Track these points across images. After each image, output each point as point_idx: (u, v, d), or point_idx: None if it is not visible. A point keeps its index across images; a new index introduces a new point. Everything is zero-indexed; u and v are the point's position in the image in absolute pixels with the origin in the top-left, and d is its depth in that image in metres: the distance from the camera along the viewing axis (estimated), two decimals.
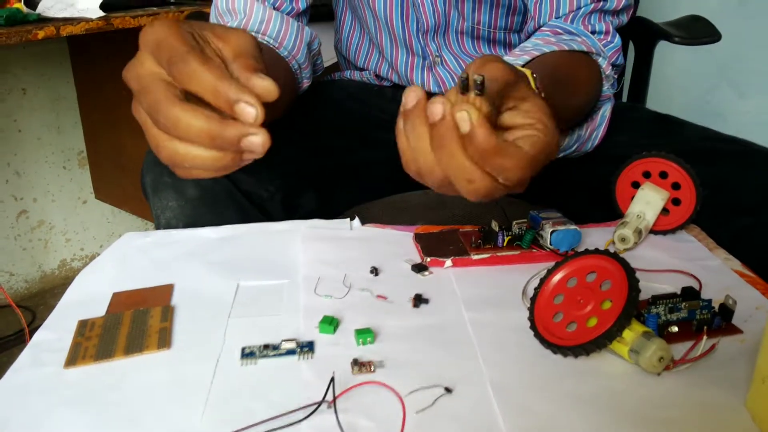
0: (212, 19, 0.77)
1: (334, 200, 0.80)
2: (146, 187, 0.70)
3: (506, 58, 0.70)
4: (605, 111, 0.74)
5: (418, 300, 0.51)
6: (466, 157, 0.42)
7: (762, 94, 1.78)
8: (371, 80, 0.94)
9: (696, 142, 0.74)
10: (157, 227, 0.68)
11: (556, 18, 0.75)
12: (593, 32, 0.74)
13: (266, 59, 0.69)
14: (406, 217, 0.89)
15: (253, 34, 0.72)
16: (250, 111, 0.41)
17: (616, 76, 0.77)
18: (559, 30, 0.73)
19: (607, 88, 0.73)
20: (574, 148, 0.73)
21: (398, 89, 0.92)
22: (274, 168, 0.73)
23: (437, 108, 0.42)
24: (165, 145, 0.43)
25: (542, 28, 0.74)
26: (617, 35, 0.76)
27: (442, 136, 0.42)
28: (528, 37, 0.77)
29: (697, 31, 1.04)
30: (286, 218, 0.70)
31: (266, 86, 0.43)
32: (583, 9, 0.73)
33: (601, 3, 0.73)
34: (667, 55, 1.71)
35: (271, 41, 0.73)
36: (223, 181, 0.68)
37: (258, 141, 0.42)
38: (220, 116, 0.41)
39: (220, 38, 0.46)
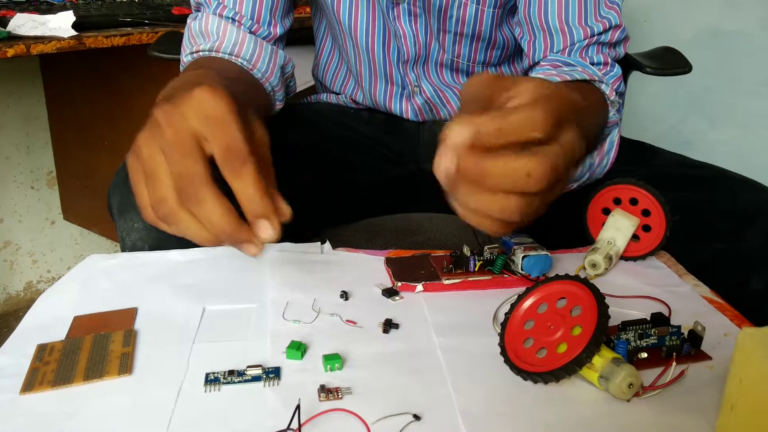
0: (185, 41, 0.76)
1: (307, 223, 0.80)
2: (112, 207, 0.69)
3: None
4: (613, 136, 0.73)
5: (388, 325, 0.50)
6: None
7: (732, 124, 1.82)
8: (348, 103, 0.94)
9: (669, 168, 0.75)
10: (123, 249, 0.67)
11: (550, 53, 0.75)
12: (592, 63, 0.74)
13: (243, 80, 0.69)
14: (380, 240, 0.89)
15: (226, 56, 0.72)
16: (270, 233, 0.43)
17: (621, 101, 0.76)
18: (558, 63, 0.73)
19: (613, 114, 0.72)
20: (586, 177, 0.71)
21: (374, 112, 0.92)
22: None
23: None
24: (173, 207, 0.42)
25: (541, 63, 0.75)
26: (616, 65, 0.76)
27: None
28: (526, 74, 0.77)
29: (669, 62, 1.07)
30: None
31: (286, 211, 0.45)
32: (577, 44, 0.74)
33: (596, 37, 0.74)
34: (640, 85, 1.74)
35: (245, 63, 0.73)
36: None
37: (253, 252, 0.43)
38: (238, 217, 0.42)
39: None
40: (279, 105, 0.79)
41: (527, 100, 0.41)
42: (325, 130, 0.88)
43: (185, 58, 0.74)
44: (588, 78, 0.70)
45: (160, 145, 0.42)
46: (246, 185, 0.42)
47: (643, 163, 0.78)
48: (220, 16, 0.75)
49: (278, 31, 0.79)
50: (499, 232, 0.43)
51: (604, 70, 0.74)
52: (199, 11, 0.79)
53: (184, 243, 0.62)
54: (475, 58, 0.85)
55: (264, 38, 0.78)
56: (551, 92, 0.42)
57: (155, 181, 0.43)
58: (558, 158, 0.40)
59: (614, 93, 0.72)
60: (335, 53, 0.93)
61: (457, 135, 0.40)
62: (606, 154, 0.72)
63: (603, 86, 0.70)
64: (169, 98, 0.44)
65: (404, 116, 0.88)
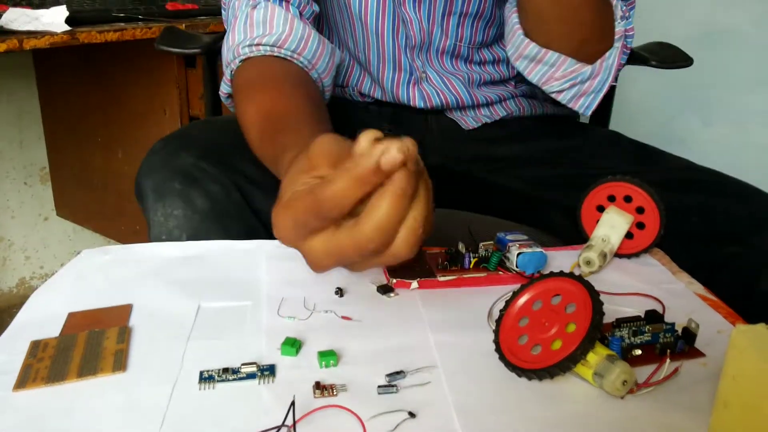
0: (240, 28, 0.74)
1: None
2: (146, 190, 0.66)
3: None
4: (615, 50, 0.75)
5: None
6: None
7: (725, 122, 1.83)
8: (354, 96, 0.93)
9: (680, 172, 0.75)
10: (158, 236, 0.65)
11: None
12: None
13: (318, 109, 0.69)
14: None
15: (288, 54, 0.72)
16: (394, 154, 0.40)
17: (625, 11, 0.77)
18: None
19: (617, 23, 0.74)
20: (576, 89, 0.76)
21: (382, 106, 0.92)
22: None
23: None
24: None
25: None
26: (630, 19, 0.77)
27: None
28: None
29: (669, 56, 1.07)
30: None
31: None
32: None
33: None
34: (631, 79, 1.74)
35: (305, 62, 0.73)
36: (236, 196, 0.66)
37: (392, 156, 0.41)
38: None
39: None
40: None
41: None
42: (332, 125, 0.88)
43: (241, 49, 0.72)
44: None
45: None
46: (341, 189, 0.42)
47: (651, 164, 0.78)
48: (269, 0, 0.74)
49: (315, 6, 0.79)
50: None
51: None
52: None
53: (222, 235, 0.62)
54: (475, 40, 0.86)
55: (309, 18, 0.77)
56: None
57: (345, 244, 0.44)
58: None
59: (626, 12, 0.74)
60: (336, 44, 0.93)
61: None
62: (608, 67, 0.75)
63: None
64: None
65: (412, 103, 0.88)
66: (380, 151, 0.41)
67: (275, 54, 0.72)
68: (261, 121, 0.65)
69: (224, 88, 0.77)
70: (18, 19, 1.16)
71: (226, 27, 0.82)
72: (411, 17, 0.83)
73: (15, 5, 1.23)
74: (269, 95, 0.67)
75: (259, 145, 0.65)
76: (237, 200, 0.66)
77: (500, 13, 0.85)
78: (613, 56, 0.76)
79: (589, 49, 0.75)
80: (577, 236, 0.65)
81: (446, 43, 0.85)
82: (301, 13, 0.76)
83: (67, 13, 1.19)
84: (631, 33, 0.77)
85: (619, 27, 0.75)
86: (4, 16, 1.15)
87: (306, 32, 0.73)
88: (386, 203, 0.42)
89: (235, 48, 0.73)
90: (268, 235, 0.68)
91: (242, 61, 0.73)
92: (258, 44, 0.71)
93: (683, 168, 0.77)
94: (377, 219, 0.42)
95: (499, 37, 0.89)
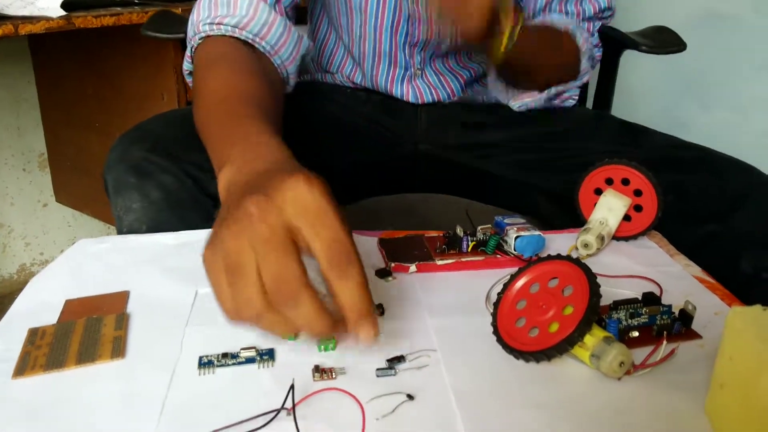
0: (204, 5, 0.72)
1: None
2: (108, 186, 0.67)
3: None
4: (581, 81, 0.85)
5: (382, 310, 0.50)
6: None
7: (725, 107, 1.82)
8: (344, 83, 0.93)
9: (660, 150, 0.75)
10: (119, 228, 0.66)
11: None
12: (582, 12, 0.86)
13: (272, 99, 0.66)
14: (373, 221, 0.88)
15: (250, 38, 0.70)
16: (372, 334, 0.40)
17: (593, 58, 0.87)
18: (546, 20, 0.84)
19: (585, 62, 0.83)
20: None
21: (371, 93, 0.91)
22: None
23: None
24: (260, 308, 0.39)
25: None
26: (596, 35, 0.88)
27: None
28: None
29: (663, 41, 1.06)
30: None
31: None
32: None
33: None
34: (632, 65, 1.73)
35: (268, 47, 0.71)
36: (189, 183, 0.66)
37: (372, 341, 0.41)
38: (333, 317, 0.40)
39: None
40: (287, 90, 0.78)
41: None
42: (321, 110, 0.87)
43: (202, 26, 0.70)
44: (563, 29, 0.81)
45: (251, 241, 0.38)
46: (352, 286, 0.39)
47: (634, 144, 0.78)
48: None
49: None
50: None
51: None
52: None
53: (180, 228, 0.62)
54: None
55: (286, 6, 0.76)
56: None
57: (241, 280, 0.38)
58: None
59: (587, 43, 0.82)
60: (332, 34, 0.92)
61: None
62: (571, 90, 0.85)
63: (577, 39, 0.81)
64: (254, 186, 0.40)
65: (404, 98, 0.88)
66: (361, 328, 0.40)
67: (235, 35, 0.70)
68: (212, 102, 0.62)
69: (186, 65, 0.76)
70: (13, 4, 1.15)
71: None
72: (421, 14, 0.82)
73: None
74: (225, 75, 0.65)
75: (205, 122, 0.61)
76: (190, 188, 0.66)
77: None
78: (582, 73, 0.84)
79: (556, 80, 0.83)
80: (562, 220, 0.65)
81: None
82: (276, 1, 0.74)
83: None
84: (597, 47, 0.88)
85: (585, 52, 0.83)
86: None
87: (271, 17, 0.72)
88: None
89: (196, 24, 0.71)
90: None
91: (202, 38, 0.71)
92: (219, 23, 0.70)
93: (665, 146, 0.76)
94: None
95: None
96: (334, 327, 0.40)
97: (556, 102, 0.86)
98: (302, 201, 0.38)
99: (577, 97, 0.87)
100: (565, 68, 0.83)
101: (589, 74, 0.87)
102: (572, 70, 0.83)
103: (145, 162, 0.65)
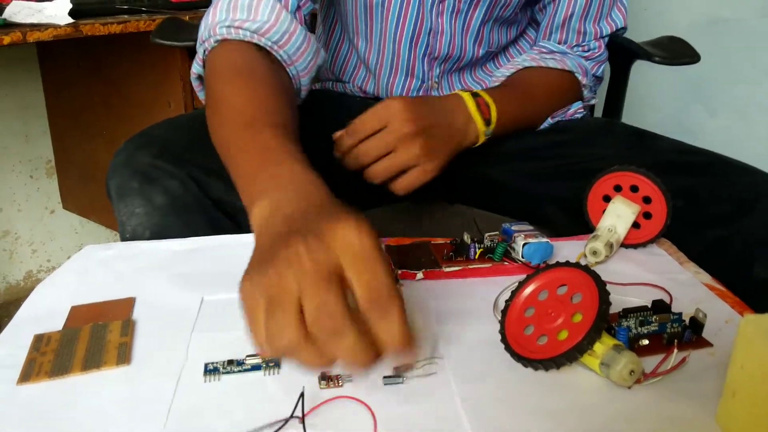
0: (222, 6, 0.70)
1: None
2: (111, 191, 0.67)
3: (496, 73, 0.88)
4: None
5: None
6: None
7: (732, 113, 1.81)
8: (355, 92, 0.92)
9: (669, 155, 0.75)
10: (122, 234, 0.66)
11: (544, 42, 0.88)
12: (588, 50, 0.88)
13: (291, 117, 0.65)
14: (380, 228, 0.88)
15: (269, 45, 0.68)
16: (411, 364, 0.43)
17: (594, 83, 0.90)
18: (543, 50, 0.86)
19: (587, 93, 0.87)
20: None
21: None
22: None
23: None
24: (295, 338, 0.38)
25: (533, 47, 0.89)
26: (605, 49, 0.89)
27: None
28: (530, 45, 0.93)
29: (675, 51, 1.06)
30: None
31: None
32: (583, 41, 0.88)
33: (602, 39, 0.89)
34: (640, 72, 1.73)
35: (285, 57, 0.70)
36: (193, 188, 0.65)
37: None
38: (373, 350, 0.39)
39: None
40: (298, 102, 0.77)
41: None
42: (330, 119, 0.87)
43: (219, 29, 0.68)
44: (560, 68, 0.84)
45: (296, 276, 0.38)
46: (392, 326, 0.39)
47: (643, 149, 0.77)
48: None
49: (317, 5, 0.80)
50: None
51: (593, 56, 0.88)
52: None
53: (185, 233, 0.62)
54: (501, 41, 0.89)
55: (306, 14, 0.74)
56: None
57: (281, 309, 0.38)
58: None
59: (586, 78, 0.86)
60: (345, 42, 0.92)
61: None
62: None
63: (577, 75, 0.85)
64: (301, 227, 0.41)
65: None
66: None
67: (254, 41, 0.68)
68: (236, 124, 0.60)
69: (195, 69, 0.73)
70: (21, 11, 1.16)
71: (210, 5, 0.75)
72: (444, 29, 0.82)
73: None
74: (248, 92, 0.62)
75: (230, 145, 0.59)
76: (195, 193, 0.65)
77: (522, 13, 0.89)
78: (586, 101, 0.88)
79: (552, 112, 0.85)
80: (571, 229, 0.65)
81: (479, 52, 0.86)
82: (299, 6, 0.73)
83: (70, 6, 1.18)
84: (602, 63, 0.90)
85: (587, 86, 0.87)
86: (8, 9, 1.15)
87: (292, 26, 0.70)
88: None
89: (212, 26, 0.69)
90: (232, 225, 0.67)
91: (217, 41, 0.69)
92: (238, 27, 0.68)
93: (674, 151, 0.76)
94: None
95: (518, 36, 0.92)
96: (375, 357, 0.39)
97: (564, 117, 0.87)
98: (352, 245, 0.39)
99: (583, 111, 0.88)
100: (563, 103, 0.86)
101: (594, 100, 0.90)
102: (572, 100, 0.86)
103: (151, 168, 0.65)
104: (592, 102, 0.91)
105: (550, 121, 0.85)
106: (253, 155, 0.54)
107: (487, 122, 0.75)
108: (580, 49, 0.88)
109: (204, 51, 0.71)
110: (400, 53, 0.85)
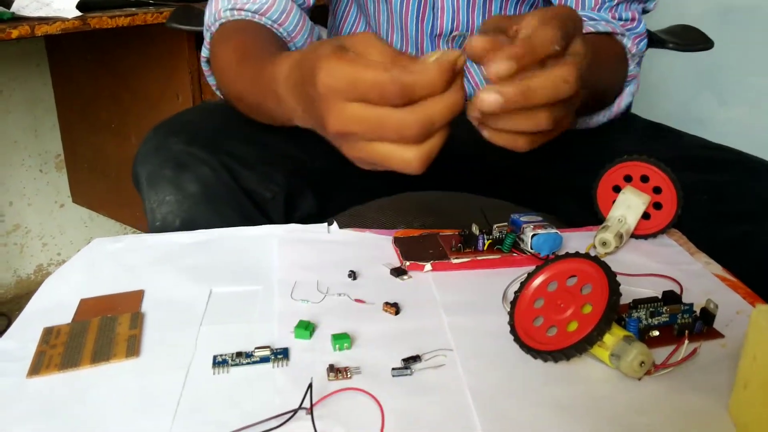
0: (222, 1, 0.75)
1: (332, 202, 0.78)
2: (140, 179, 0.67)
3: None
4: (631, 88, 0.79)
5: (397, 309, 0.50)
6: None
7: (742, 102, 1.80)
8: None
9: (692, 150, 0.74)
10: (152, 222, 0.66)
11: (582, 10, 0.78)
12: (619, 19, 0.78)
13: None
14: (388, 220, 0.88)
15: (269, 23, 0.74)
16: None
17: (641, 56, 0.81)
18: (584, 17, 0.76)
19: (633, 68, 0.78)
20: (604, 117, 0.78)
21: None
22: (277, 167, 0.70)
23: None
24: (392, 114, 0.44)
25: None
26: (642, 22, 0.80)
27: None
28: None
29: (689, 38, 1.05)
30: (285, 220, 0.68)
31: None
32: (608, 3, 0.77)
33: None
34: (651, 62, 1.72)
35: (285, 34, 0.75)
36: (225, 178, 0.65)
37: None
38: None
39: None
40: None
41: (538, 23, 0.47)
42: None
43: (223, 12, 0.74)
44: (611, 31, 0.74)
45: (364, 139, 0.46)
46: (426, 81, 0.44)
47: (665, 143, 0.77)
48: None
49: (311, 1, 0.81)
50: (527, 148, 0.50)
51: (629, 26, 0.78)
52: None
53: (216, 222, 0.62)
54: None
55: (301, 6, 0.78)
56: (553, 13, 0.48)
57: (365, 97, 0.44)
58: (580, 61, 0.47)
59: (635, 47, 0.76)
60: (360, 22, 0.91)
61: (498, 68, 0.45)
62: (625, 105, 0.77)
63: (625, 39, 0.75)
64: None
65: None
66: (456, 54, 0.45)
67: (255, 20, 0.73)
68: (238, 53, 0.66)
69: (204, 52, 0.78)
70: (29, 5, 1.16)
71: None
72: (444, 5, 0.81)
73: None
74: (247, 35, 0.70)
75: (238, 72, 0.65)
76: (227, 181, 0.66)
77: None
78: (627, 94, 0.78)
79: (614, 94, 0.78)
80: (584, 220, 0.64)
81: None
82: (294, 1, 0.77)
83: None
84: (642, 38, 0.80)
85: (635, 55, 0.78)
86: (16, 2, 1.15)
87: (288, 6, 0.75)
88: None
89: (216, 12, 0.74)
90: (261, 216, 0.68)
91: (222, 24, 0.74)
92: (240, 9, 0.73)
93: (695, 146, 0.75)
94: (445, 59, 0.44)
95: None
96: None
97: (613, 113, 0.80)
98: (337, 81, 0.44)
99: (630, 98, 0.82)
100: (622, 74, 0.78)
101: (638, 80, 0.80)
102: (625, 73, 0.78)
103: (183, 154, 0.65)
104: (635, 84, 0.79)
105: (603, 119, 0.78)
106: (257, 62, 0.61)
107: None
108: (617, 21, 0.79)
109: (210, 35, 0.75)
110: (408, 31, 0.84)
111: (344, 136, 0.47)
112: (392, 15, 0.84)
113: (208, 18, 0.76)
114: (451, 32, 0.83)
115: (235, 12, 0.73)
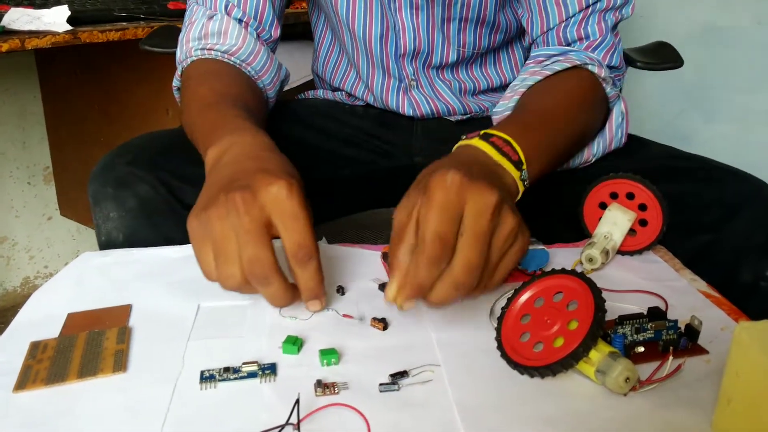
0: (195, 32, 0.77)
1: None
2: (89, 197, 0.69)
3: (496, 108, 0.75)
4: (619, 107, 0.76)
5: (385, 324, 0.50)
6: None
7: (727, 119, 1.82)
8: (343, 100, 0.93)
9: (657, 160, 0.75)
10: (98, 238, 0.68)
11: (547, 29, 0.76)
12: (586, 37, 0.75)
13: (257, 102, 0.74)
14: (371, 234, 0.88)
15: (238, 63, 0.75)
16: (319, 307, 0.51)
17: (620, 73, 0.78)
18: (541, 58, 0.75)
19: (609, 90, 0.73)
20: (601, 152, 0.75)
21: (370, 108, 0.91)
22: None
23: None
24: (240, 282, 0.48)
25: (527, 62, 0.76)
26: (610, 35, 0.75)
27: None
28: (525, 55, 0.85)
29: (661, 56, 1.06)
30: None
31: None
32: (573, 18, 0.74)
33: (591, 7, 0.74)
34: (635, 79, 1.74)
35: (253, 72, 0.77)
36: (163, 191, 0.67)
37: (318, 308, 0.52)
38: (295, 292, 0.50)
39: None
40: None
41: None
42: (318, 125, 0.87)
43: (194, 51, 0.75)
44: (570, 66, 0.71)
45: (234, 227, 0.47)
46: (309, 277, 0.49)
47: (631, 155, 0.77)
48: (229, 15, 0.77)
49: (278, 33, 0.82)
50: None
51: (595, 43, 0.75)
52: (198, 3, 0.80)
53: (155, 235, 0.64)
54: (480, 45, 0.85)
55: (266, 41, 0.80)
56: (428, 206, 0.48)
57: (226, 259, 0.47)
58: (475, 243, 0.46)
59: (604, 70, 0.73)
60: (335, 46, 0.92)
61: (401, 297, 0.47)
62: (618, 126, 0.75)
63: (590, 67, 0.72)
64: (238, 182, 0.49)
65: (401, 111, 0.88)
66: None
67: (225, 59, 0.75)
68: (201, 105, 0.67)
69: (175, 82, 0.80)
70: (20, 18, 1.16)
71: (183, 25, 0.82)
72: (405, 25, 0.82)
73: (17, 5, 1.23)
74: (213, 84, 0.70)
75: (196, 118, 0.66)
76: (165, 196, 0.67)
77: (505, 19, 0.84)
78: (616, 115, 0.75)
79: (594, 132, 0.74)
80: (566, 235, 0.65)
81: (448, 50, 0.84)
82: (258, 35, 0.79)
83: (68, 13, 1.18)
84: (613, 58, 0.76)
85: (606, 79, 0.73)
86: (6, 16, 1.15)
87: (257, 47, 0.77)
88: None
89: (188, 49, 0.77)
90: None
91: (193, 61, 0.76)
92: (210, 49, 0.75)
93: (662, 156, 0.76)
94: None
95: (507, 42, 0.88)
96: (293, 299, 0.50)
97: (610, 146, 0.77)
98: (281, 204, 0.47)
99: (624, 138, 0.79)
100: (595, 111, 0.73)
101: (622, 101, 0.76)
102: (603, 104, 0.74)
103: (126, 173, 0.67)
104: (620, 105, 0.76)
105: (599, 150, 0.74)
106: (212, 122, 0.62)
107: (518, 164, 0.57)
108: (578, 42, 0.75)
109: (182, 69, 0.78)
110: (373, 53, 0.86)
111: (206, 220, 0.49)
112: (356, 39, 0.85)
113: (179, 54, 0.78)
114: (414, 51, 0.84)
115: (206, 51, 0.75)
